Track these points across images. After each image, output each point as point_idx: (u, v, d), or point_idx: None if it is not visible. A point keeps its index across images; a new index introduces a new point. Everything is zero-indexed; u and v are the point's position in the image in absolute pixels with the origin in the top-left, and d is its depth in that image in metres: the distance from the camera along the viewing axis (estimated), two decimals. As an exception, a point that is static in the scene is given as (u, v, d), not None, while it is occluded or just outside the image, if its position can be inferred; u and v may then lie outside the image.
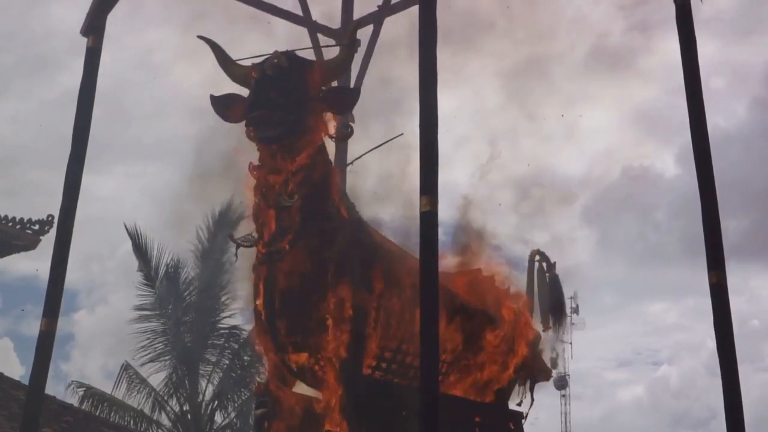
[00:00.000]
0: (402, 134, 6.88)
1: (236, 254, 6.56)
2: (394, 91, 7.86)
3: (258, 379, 7.22)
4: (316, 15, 9.56)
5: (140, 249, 18.66)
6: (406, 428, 5.96)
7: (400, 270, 6.44)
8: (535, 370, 7.48)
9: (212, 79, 6.64)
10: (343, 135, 6.89)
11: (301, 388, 6.59)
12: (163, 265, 18.83)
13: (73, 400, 17.52)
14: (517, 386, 7.44)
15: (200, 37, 6.65)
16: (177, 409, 18.31)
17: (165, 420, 18.33)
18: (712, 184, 6.71)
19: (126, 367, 18.35)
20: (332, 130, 6.45)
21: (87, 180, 7.78)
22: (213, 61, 6.58)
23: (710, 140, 6.81)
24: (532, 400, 7.45)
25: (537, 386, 7.53)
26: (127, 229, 18.75)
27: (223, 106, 6.48)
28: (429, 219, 5.69)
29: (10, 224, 15.60)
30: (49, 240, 13.49)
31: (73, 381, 18.48)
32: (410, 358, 6.62)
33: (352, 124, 7.10)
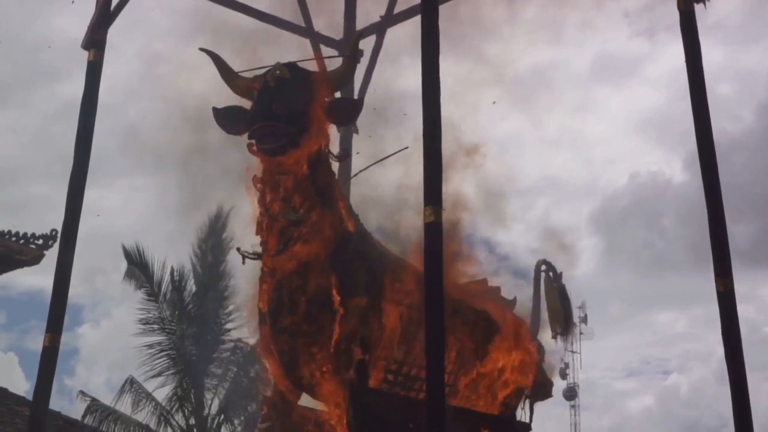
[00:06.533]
0: (407, 147, 6.81)
1: (243, 264, 6.51)
2: (398, 102, 7.81)
3: (263, 392, 7.15)
4: (318, 26, 9.55)
5: (140, 266, 18.54)
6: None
7: (405, 281, 6.40)
8: (536, 385, 7.35)
9: (215, 90, 6.61)
10: (340, 157, 6.82)
11: (307, 401, 6.55)
12: (167, 278, 18.75)
13: (81, 408, 17.55)
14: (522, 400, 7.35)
15: (202, 49, 6.63)
16: (183, 423, 18.24)
17: (171, 434, 18.26)
18: (718, 190, 6.65)
19: (131, 382, 18.29)
20: (333, 146, 6.41)
21: (90, 193, 7.78)
22: (215, 73, 6.56)
23: (717, 146, 6.75)
24: (531, 415, 7.36)
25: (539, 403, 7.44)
26: (125, 250, 18.54)
27: (226, 118, 6.44)
28: (433, 229, 5.64)
29: (13, 239, 15.53)
30: (53, 254, 13.45)
31: (80, 391, 18.48)
32: (416, 370, 6.58)
33: (356, 133, 7.06)
